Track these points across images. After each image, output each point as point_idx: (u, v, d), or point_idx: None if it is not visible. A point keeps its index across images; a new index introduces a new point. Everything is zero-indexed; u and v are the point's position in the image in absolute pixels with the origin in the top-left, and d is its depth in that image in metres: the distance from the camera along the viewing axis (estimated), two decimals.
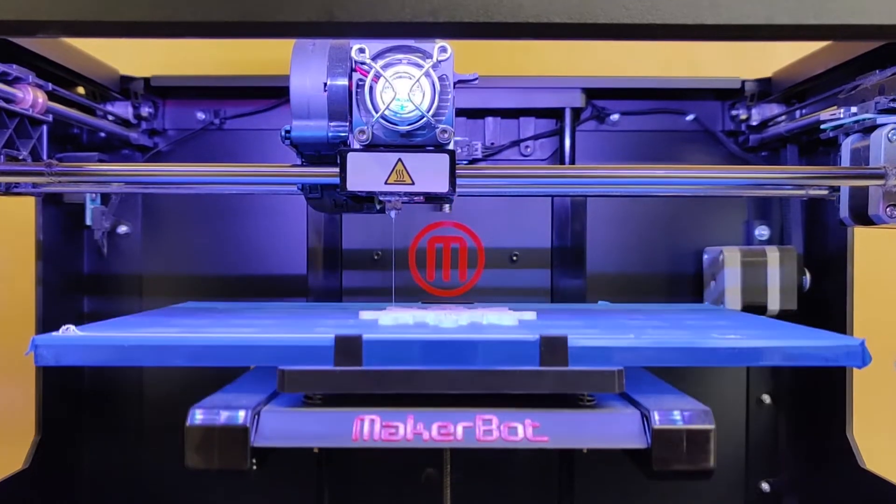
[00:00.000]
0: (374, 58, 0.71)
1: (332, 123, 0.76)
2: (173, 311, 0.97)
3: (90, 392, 1.16)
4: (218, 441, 0.64)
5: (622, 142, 1.19)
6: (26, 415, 1.05)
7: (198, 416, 0.65)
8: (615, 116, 1.18)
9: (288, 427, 0.66)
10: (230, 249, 1.19)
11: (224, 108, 1.18)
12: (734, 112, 1.17)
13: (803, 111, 1.06)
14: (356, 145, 0.73)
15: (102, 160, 1.10)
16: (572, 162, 1.16)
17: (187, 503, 1.12)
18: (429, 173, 0.73)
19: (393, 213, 0.83)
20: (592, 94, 1.17)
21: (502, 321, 0.81)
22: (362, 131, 0.72)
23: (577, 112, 1.17)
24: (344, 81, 0.74)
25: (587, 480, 1.13)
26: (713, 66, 1.23)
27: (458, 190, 0.74)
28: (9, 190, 0.88)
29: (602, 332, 0.75)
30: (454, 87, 0.73)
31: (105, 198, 1.13)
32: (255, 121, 1.18)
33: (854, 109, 0.84)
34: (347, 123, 0.75)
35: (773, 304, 1.10)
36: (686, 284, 1.19)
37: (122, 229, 1.17)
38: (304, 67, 0.75)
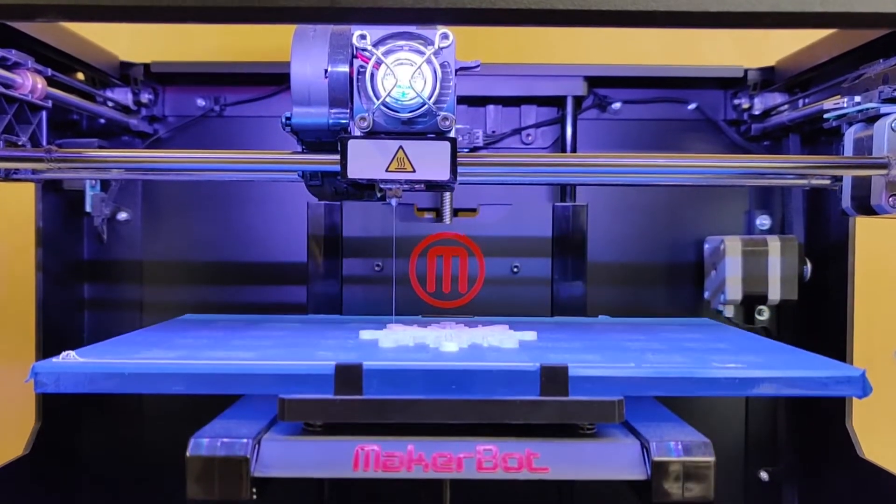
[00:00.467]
0: (376, 44, 0.71)
1: (332, 110, 0.75)
2: (172, 327, 0.96)
3: None
4: (218, 472, 0.65)
5: (624, 130, 1.19)
6: (26, 402, 1.05)
7: (198, 445, 0.65)
8: (617, 105, 1.17)
9: (288, 457, 0.67)
10: (230, 236, 1.18)
11: (224, 95, 1.17)
12: (736, 101, 1.17)
13: (806, 100, 1.05)
14: (357, 132, 0.73)
15: (102, 146, 1.09)
16: (574, 150, 1.16)
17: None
18: (430, 161, 0.72)
19: (394, 202, 0.82)
20: (594, 82, 1.17)
21: (503, 343, 0.81)
22: (363, 118, 0.72)
23: (578, 100, 1.16)
24: (345, 68, 0.74)
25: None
26: (716, 54, 1.23)
27: (459, 178, 0.74)
28: (8, 176, 0.88)
29: (602, 357, 0.75)
30: (456, 75, 0.73)
31: (105, 184, 1.13)
32: (256, 108, 1.17)
33: (858, 99, 0.83)
34: (348, 110, 0.75)
35: (774, 293, 1.10)
36: (687, 274, 1.18)
37: (122, 216, 1.17)
38: (305, 54, 0.75)
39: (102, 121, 1.11)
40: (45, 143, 0.89)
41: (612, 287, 1.18)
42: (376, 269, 1.13)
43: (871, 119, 0.82)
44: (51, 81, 0.91)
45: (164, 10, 0.52)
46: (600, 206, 1.18)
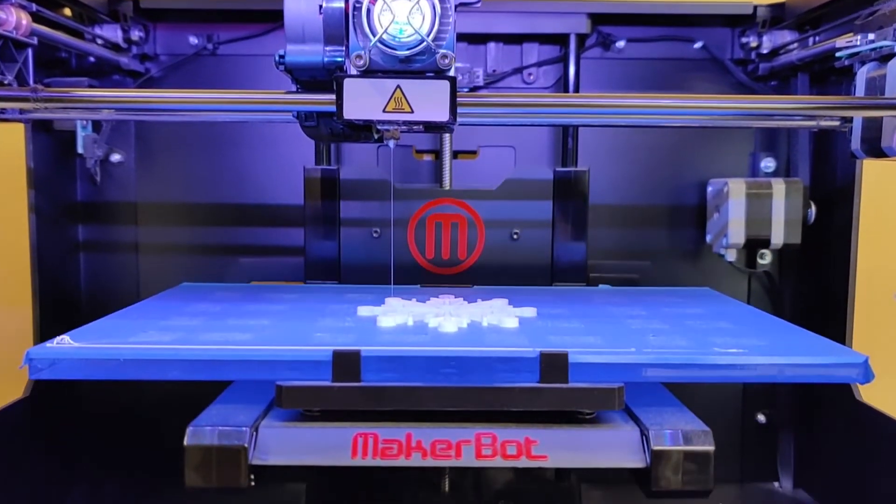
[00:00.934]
0: None
1: (327, 48, 0.73)
2: (168, 300, 0.95)
3: (89, 320, 1.16)
4: (216, 461, 0.65)
5: (628, 70, 1.16)
6: (25, 345, 1.05)
7: (195, 434, 0.65)
8: (621, 43, 1.14)
9: (286, 444, 0.67)
10: (226, 178, 1.17)
11: (217, 33, 1.14)
12: (744, 39, 1.13)
13: (817, 38, 1.02)
14: (353, 71, 0.70)
15: (93, 86, 1.06)
16: (576, 90, 1.13)
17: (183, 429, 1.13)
18: (428, 101, 0.70)
19: (391, 143, 0.80)
20: (598, 19, 1.13)
21: (502, 322, 0.80)
22: (359, 56, 0.70)
23: (581, 38, 1.13)
24: (340, 3, 0.71)
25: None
26: None
27: (458, 119, 0.72)
28: None
29: (602, 340, 0.74)
30: (455, 11, 0.70)
31: (97, 125, 1.10)
32: (250, 46, 1.14)
33: (871, 36, 0.80)
34: (344, 48, 0.72)
35: (777, 237, 1.08)
36: (689, 217, 1.17)
37: (116, 157, 1.15)
38: None
39: (92, 59, 1.09)
40: (31, 81, 0.87)
41: (612, 230, 1.18)
42: (374, 234, 1.11)
43: (885, 58, 0.79)
44: (36, 17, 0.88)
45: None
46: (602, 147, 1.16)
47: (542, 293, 1.01)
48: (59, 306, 1.10)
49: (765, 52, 1.11)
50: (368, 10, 0.69)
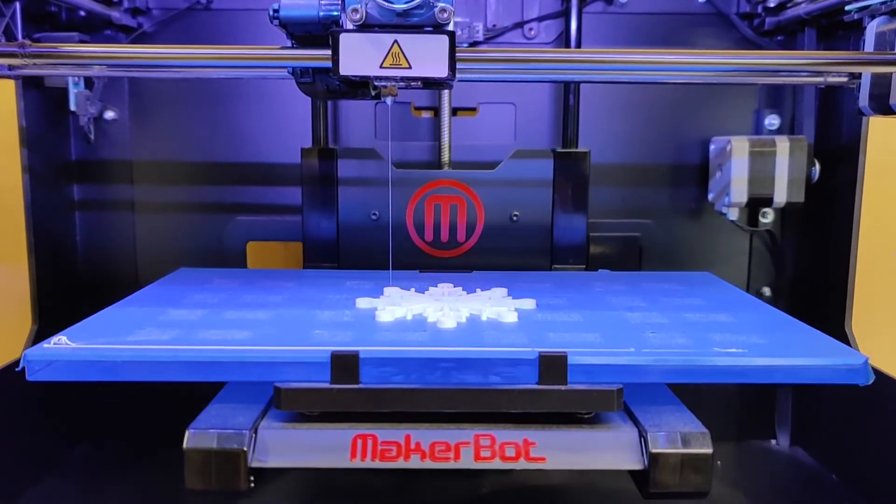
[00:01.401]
0: None
1: (323, 1, 0.71)
2: (167, 290, 0.94)
3: (86, 279, 1.16)
4: (216, 464, 0.65)
5: (631, 25, 1.14)
6: (22, 304, 1.05)
7: (195, 438, 0.65)
8: None
9: (285, 446, 0.67)
10: (223, 136, 1.15)
11: None
12: None
13: None
14: (349, 26, 0.68)
15: (84, 41, 1.04)
16: (578, 46, 1.11)
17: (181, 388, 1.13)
18: (427, 56, 0.68)
19: (389, 100, 0.79)
20: None
21: (501, 317, 0.79)
22: (355, 10, 0.68)
23: None
24: None
25: None
26: None
27: (458, 75, 0.70)
28: None
29: (602, 337, 0.73)
30: None
31: (89, 82, 1.08)
32: (245, 0, 1.12)
33: None
34: (339, 2, 0.70)
35: (780, 196, 1.07)
36: (691, 175, 1.16)
37: (109, 115, 1.13)
38: None
39: (82, 13, 1.06)
40: (20, 36, 0.85)
41: (614, 188, 1.16)
42: (373, 217, 1.10)
43: None
44: None
45: None
46: (604, 104, 1.14)
47: (542, 280, 1.00)
48: (56, 266, 1.10)
49: (771, 5, 1.08)
50: None
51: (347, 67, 0.69)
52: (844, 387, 1.01)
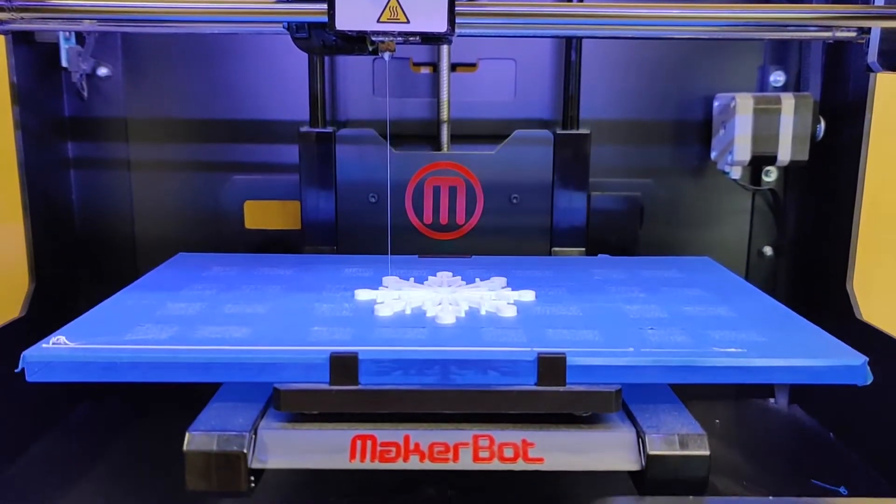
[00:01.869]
0: None
1: None
2: (164, 280, 0.93)
3: (82, 238, 1.15)
4: (216, 466, 0.65)
5: None
6: (19, 264, 1.04)
7: (195, 441, 0.66)
8: None
9: (285, 447, 0.67)
10: (219, 92, 1.13)
11: None
12: None
13: None
14: None
15: None
16: (581, 0, 1.08)
17: None
18: (425, 10, 0.67)
19: (387, 56, 0.77)
20: None
21: (501, 312, 0.79)
22: None
23: None
24: None
25: None
26: None
27: (457, 30, 0.69)
28: None
29: (600, 334, 0.73)
30: None
31: (80, 37, 1.06)
32: None
33: None
34: None
35: (784, 154, 1.06)
36: (693, 133, 1.14)
37: (103, 71, 1.11)
38: None
39: None
40: None
41: (615, 146, 1.15)
42: (372, 199, 1.08)
43: None
44: None
45: None
46: (607, 60, 1.12)
47: (541, 267, 1.00)
48: (52, 225, 1.09)
49: None
50: None
51: (344, 22, 0.67)
52: (844, 343, 1.01)
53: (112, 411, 1.10)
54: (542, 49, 1.13)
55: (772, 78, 1.12)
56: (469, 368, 0.66)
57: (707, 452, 0.67)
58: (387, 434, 0.67)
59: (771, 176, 1.14)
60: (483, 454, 0.67)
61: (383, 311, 0.79)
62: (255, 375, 0.67)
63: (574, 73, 1.10)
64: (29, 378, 0.67)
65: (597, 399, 0.66)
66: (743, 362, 0.68)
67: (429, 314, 0.79)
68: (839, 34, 0.85)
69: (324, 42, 0.79)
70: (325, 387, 0.66)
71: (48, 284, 1.06)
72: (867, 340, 0.95)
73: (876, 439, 0.92)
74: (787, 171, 1.14)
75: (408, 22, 0.67)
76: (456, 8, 0.67)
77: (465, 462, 0.67)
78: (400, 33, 0.69)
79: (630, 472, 0.69)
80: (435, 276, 0.94)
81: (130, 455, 0.96)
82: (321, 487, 0.80)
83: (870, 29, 0.80)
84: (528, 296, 0.85)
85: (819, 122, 1.06)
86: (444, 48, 1.09)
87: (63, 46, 1.05)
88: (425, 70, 1.13)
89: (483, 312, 0.80)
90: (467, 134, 1.13)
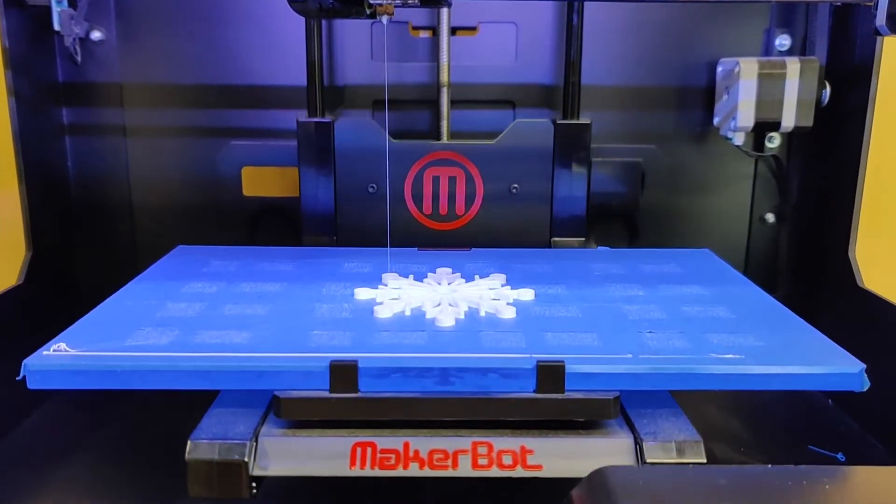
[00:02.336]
0: None
1: None
2: (163, 277, 0.92)
3: (79, 205, 1.14)
4: (218, 474, 0.66)
5: None
6: (16, 231, 1.03)
7: (196, 449, 0.66)
8: None
9: (286, 454, 0.68)
10: (215, 58, 1.11)
11: None
12: None
13: None
14: None
15: None
16: None
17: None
18: None
19: (384, 19, 0.75)
20: None
21: (500, 313, 0.79)
22: None
23: None
24: None
25: None
26: None
27: None
28: None
29: (599, 338, 0.73)
30: None
31: (72, 0, 1.04)
32: None
33: None
34: None
35: (788, 119, 1.04)
36: (696, 98, 1.13)
37: (96, 35, 1.09)
38: None
39: None
40: None
41: (616, 112, 1.14)
42: (371, 190, 1.07)
43: None
44: None
45: None
46: (609, 24, 1.10)
47: (540, 261, 0.99)
48: (48, 191, 1.08)
49: None
50: None
51: None
52: (845, 310, 1.01)
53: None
54: (543, 12, 1.11)
55: (777, 42, 1.10)
56: (468, 376, 0.67)
57: (703, 460, 0.67)
58: (387, 441, 0.68)
59: (774, 142, 1.12)
60: (482, 461, 0.68)
61: (383, 313, 0.79)
62: (254, 383, 0.67)
63: (576, 37, 1.08)
64: (30, 386, 0.67)
65: (595, 406, 0.67)
66: (741, 369, 0.68)
67: (428, 315, 0.79)
68: None
69: (320, 5, 0.77)
70: (325, 394, 0.67)
71: (45, 252, 1.05)
72: (868, 308, 0.95)
73: (872, 406, 0.92)
74: (791, 137, 1.12)
75: None
76: None
77: (465, 469, 0.67)
78: None
79: None
80: (434, 271, 0.94)
81: (129, 423, 0.96)
82: (321, 488, 0.80)
83: None
84: (527, 295, 0.85)
85: (825, 88, 1.05)
86: (444, 11, 1.07)
87: (55, 9, 1.03)
88: (424, 34, 1.11)
89: (482, 314, 0.80)
90: (467, 99, 1.12)
